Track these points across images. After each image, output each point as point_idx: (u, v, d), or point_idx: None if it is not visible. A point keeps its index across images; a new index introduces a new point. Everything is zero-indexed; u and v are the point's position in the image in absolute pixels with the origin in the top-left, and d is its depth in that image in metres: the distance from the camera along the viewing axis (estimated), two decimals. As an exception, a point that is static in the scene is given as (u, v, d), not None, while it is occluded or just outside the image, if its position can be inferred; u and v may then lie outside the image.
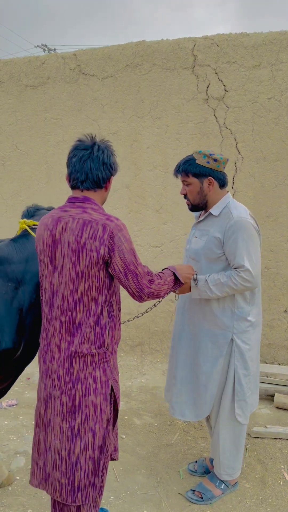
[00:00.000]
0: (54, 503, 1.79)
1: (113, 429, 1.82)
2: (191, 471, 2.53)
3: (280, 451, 2.72)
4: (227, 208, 2.14)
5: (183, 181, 2.21)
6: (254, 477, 2.48)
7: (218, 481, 2.32)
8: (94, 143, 1.72)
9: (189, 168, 2.14)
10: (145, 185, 4.13)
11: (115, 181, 4.11)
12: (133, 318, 2.63)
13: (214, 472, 2.35)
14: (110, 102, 4.12)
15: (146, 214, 4.16)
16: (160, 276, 1.76)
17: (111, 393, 1.73)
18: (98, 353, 1.67)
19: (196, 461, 2.59)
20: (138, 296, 1.68)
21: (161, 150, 4.04)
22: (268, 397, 3.37)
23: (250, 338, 2.17)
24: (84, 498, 1.67)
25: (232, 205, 2.15)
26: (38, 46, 24.55)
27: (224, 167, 2.18)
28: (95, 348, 1.66)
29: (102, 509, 2.16)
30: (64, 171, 4.35)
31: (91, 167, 1.69)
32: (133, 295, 1.68)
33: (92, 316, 1.64)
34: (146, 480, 2.46)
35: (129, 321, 2.37)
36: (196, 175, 2.14)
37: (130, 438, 2.87)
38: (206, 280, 2.09)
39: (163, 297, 1.81)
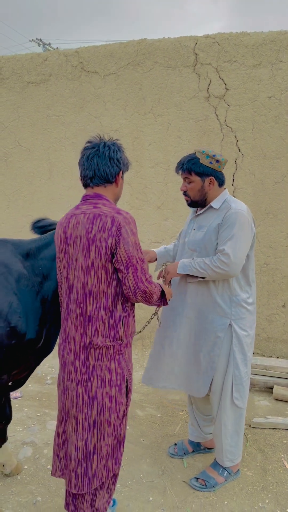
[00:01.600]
0: (69, 492, 1.85)
1: (127, 419, 1.87)
2: (172, 454, 2.64)
3: (280, 440, 2.81)
4: (227, 202, 2.25)
5: (184, 178, 2.29)
6: (255, 466, 2.57)
7: (221, 469, 2.40)
8: (102, 142, 1.78)
9: (192, 167, 2.22)
10: (147, 181, 4.19)
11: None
12: (143, 328, 2.58)
13: (216, 460, 2.44)
14: (112, 100, 4.17)
15: (147, 211, 4.23)
16: (154, 284, 1.80)
17: (126, 385, 1.78)
18: (113, 345, 1.71)
19: (175, 444, 2.70)
20: (133, 291, 1.69)
21: (163, 147, 4.10)
22: (267, 389, 3.46)
23: (246, 324, 2.27)
24: (99, 481, 1.74)
25: (230, 199, 2.26)
26: (32, 40, 24.43)
27: (223, 168, 2.28)
28: (110, 341, 1.70)
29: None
30: (66, 167, 4.43)
31: (97, 163, 1.74)
32: (128, 289, 1.68)
33: (103, 309, 1.68)
34: (150, 468, 2.53)
35: (140, 331, 2.43)
36: (198, 174, 2.23)
37: (134, 429, 2.95)
38: (194, 258, 2.23)
39: (151, 304, 1.82)
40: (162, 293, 1.88)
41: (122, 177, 1.83)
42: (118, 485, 2.38)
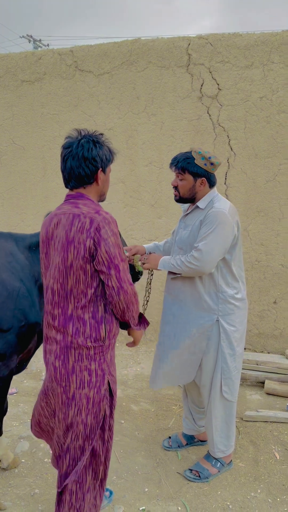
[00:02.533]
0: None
1: (112, 421, 1.83)
2: (166, 447, 2.71)
3: (271, 433, 2.89)
4: (212, 201, 2.31)
5: (177, 174, 2.35)
6: (248, 457, 2.64)
7: (214, 461, 2.47)
8: (77, 139, 1.71)
9: (187, 166, 2.28)
10: (140, 180, 4.24)
11: (110, 175, 4.21)
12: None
13: (209, 452, 2.51)
14: (106, 99, 4.21)
15: (141, 209, 4.28)
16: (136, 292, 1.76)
17: (108, 388, 1.75)
18: (94, 346, 1.68)
19: (170, 437, 2.76)
20: (117, 291, 1.65)
21: (156, 146, 4.15)
22: (259, 384, 3.54)
23: (234, 320, 2.33)
24: (70, 484, 1.73)
25: (216, 199, 2.32)
26: (23, 36, 24.29)
27: (216, 170, 2.34)
28: (91, 342, 1.67)
29: (107, 489, 2.27)
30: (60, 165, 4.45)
31: (71, 166, 1.69)
32: (111, 289, 1.65)
33: (84, 310, 1.66)
34: (146, 461, 2.59)
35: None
36: (192, 174, 2.29)
37: (129, 423, 3.01)
38: (174, 256, 2.34)
39: (127, 317, 1.76)
40: (140, 315, 1.86)
41: (104, 172, 1.76)
42: (114, 477, 2.44)
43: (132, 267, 2.42)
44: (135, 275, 2.45)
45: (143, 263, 2.43)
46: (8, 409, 3.14)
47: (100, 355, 1.71)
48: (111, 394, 1.78)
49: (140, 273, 2.45)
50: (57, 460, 1.81)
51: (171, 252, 2.51)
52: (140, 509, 2.20)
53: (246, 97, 3.87)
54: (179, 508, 2.21)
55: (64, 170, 1.73)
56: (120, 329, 1.85)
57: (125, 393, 3.46)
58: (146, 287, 2.56)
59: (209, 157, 2.26)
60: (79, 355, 1.67)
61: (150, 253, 2.50)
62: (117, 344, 4.35)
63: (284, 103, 3.79)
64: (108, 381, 1.75)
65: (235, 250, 2.31)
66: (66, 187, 1.78)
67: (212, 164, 2.28)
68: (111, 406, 1.79)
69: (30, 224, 4.61)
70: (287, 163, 3.84)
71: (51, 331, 1.72)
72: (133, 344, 1.98)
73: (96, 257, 1.61)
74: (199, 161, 2.26)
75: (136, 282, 2.45)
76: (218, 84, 3.92)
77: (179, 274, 2.32)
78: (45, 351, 1.78)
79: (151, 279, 2.57)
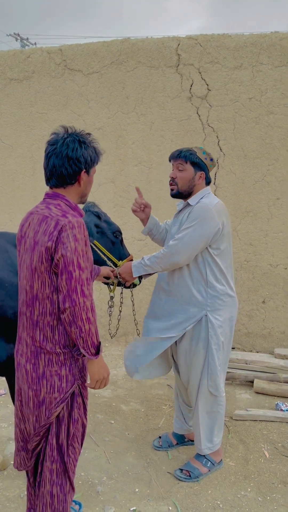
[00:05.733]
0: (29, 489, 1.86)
1: (84, 426, 1.77)
2: (156, 446, 2.71)
3: (260, 431, 2.91)
4: (202, 199, 2.35)
5: (178, 165, 2.37)
6: (237, 456, 2.65)
7: (205, 460, 2.48)
8: (63, 137, 1.64)
9: (190, 157, 2.34)
10: (130, 180, 4.23)
11: (100, 175, 4.21)
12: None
13: (196, 450, 2.52)
14: (95, 98, 4.20)
15: (130, 208, 4.27)
16: (93, 309, 1.61)
17: (79, 392, 1.71)
18: (63, 352, 1.63)
19: (160, 437, 2.77)
20: (62, 299, 1.54)
21: (146, 146, 4.15)
22: (248, 383, 3.56)
23: (221, 315, 2.35)
24: (50, 486, 1.72)
25: (206, 196, 2.37)
26: (10, 35, 24.08)
27: (211, 170, 2.43)
28: (60, 348, 1.62)
29: (76, 501, 2.21)
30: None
31: (54, 164, 1.63)
32: (60, 295, 1.56)
33: (49, 315, 1.61)
34: (136, 461, 2.59)
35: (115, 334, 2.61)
36: (193, 164, 2.35)
37: (119, 423, 3.00)
38: (143, 258, 2.36)
39: (73, 333, 1.58)
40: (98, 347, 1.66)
41: (88, 174, 1.70)
42: (104, 478, 2.43)
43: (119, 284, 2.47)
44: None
45: (118, 275, 2.43)
46: (-3, 411, 3.12)
47: (71, 360, 1.66)
48: (83, 399, 1.74)
49: (133, 284, 2.50)
50: (25, 460, 1.78)
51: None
52: (131, 509, 2.20)
53: (235, 98, 3.89)
54: (170, 508, 2.21)
55: (46, 167, 1.66)
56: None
57: (115, 393, 3.45)
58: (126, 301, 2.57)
59: (209, 153, 2.40)
60: (49, 360, 1.63)
61: (118, 266, 2.50)
62: (107, 344, 4.34)
63: (273, 104, 3.82)
64: (79, 386, 1.70)
65: (220, 246, 2.32)
66: (47, 184, 1.72)
67: (211, 160, 2.39)
68: (84, 410, 1.76)
69: (18, 223, 4.56)
70: (276, 163, 3.88)
71: (24, 332, 1.68)
72: (89, 384, 1.71)
73: (53, 260, 1.55)
74: (200, 155, 2.35)
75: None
76: (207, 85, 3.94)
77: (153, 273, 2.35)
78: (16, 351, 1.74)
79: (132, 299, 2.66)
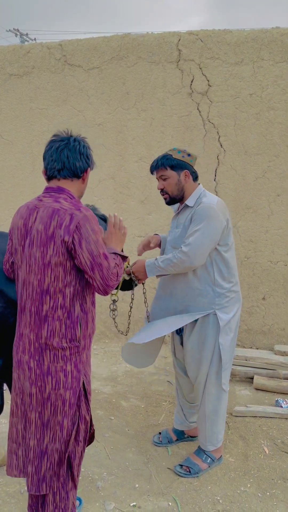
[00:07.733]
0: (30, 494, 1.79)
1: (86, 422, 1.77)
2: (156, 442, 2.72)
3: (260, 428, 2.91)
4: (200, 198, 2.34)
5: (160, 177, 2.38)
6: (237, 452, 2.66)
7: (204, 456, 2.48)
8: (71, 136, 1.75)
9: (167, 162, 2.33)
10: (130, 176, 4.22)
11: (100, 171, 4.20)
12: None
13: (200, 447, 2.52)
14: (95, 94, 4.18)
15: (131, 205, 4.26)
16: (118, 265, 1.72)
17: (83, 388, 1.72)
18: (69, 347, 1.65)
19: (160, 433, 2.77)
20: (103, 290, 1.64)
21: (146, 142, 4.14)
22: (248, 379, 3.57)
23: (228, 312, 2.35)
24: (48, 488, 1.68)
25: (203, 195, 2.35)
26: (9, 30, 23.99)
27: (194, 164, 2.39)
28: (66, 342, 1.64)
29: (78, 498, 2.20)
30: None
31: (68, 156, 1.70)
32: (98, 289, 1.64)
33: (60, 309, 1.63)
34: (136, 457, 2.59)
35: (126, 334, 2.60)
36: (173, 167, 2.33)
37: (119, 420, 3.00)
38: (156, 258, 2.33)
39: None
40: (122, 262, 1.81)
41: (88, 174, 1.80)
42: (104, 473, 2.43)
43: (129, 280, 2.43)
44: (129, 286, 2.44)
45: (131, 272, 2.40)
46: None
47: (76, 355, 1.68)
48: (86, 395, 1.74)
49: (134, 282, 2.45)
50: (23, 463, 1.74)
51: (165, 252, 2.51)
52: (131, 505, 2.20)
53: (236, 94, 3.88)
54: (170, 504, 2.21)
55: (57, 159, 1.70)
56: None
57: (114, 389, 3.45)
58: (144, 301, 2.55)
59: (184, 150, 2.35)
60: (55, 355, 1.64)
61: (130, 264, 2.47)
62: (106, 341, 4.34)
63: (274, 100, 3.80)
64: (83, 382, 1.72)
65: (228, 242, 2.33)
66: (53, 177, 1.73)
67: (189, 155, 2.35)
68: (87, 406, 1.76)
69: (18, 220, 4.56)
70: (276, 160, 3.87)
71: (26, 328, 1.67)
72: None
73: (77, 257, 1.58)
74: (176, 155, 2.33)
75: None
76: (208, 81, 3.92)
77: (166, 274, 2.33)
78: (17, 348, 1.72)
79: (144, 292, 2.56)
